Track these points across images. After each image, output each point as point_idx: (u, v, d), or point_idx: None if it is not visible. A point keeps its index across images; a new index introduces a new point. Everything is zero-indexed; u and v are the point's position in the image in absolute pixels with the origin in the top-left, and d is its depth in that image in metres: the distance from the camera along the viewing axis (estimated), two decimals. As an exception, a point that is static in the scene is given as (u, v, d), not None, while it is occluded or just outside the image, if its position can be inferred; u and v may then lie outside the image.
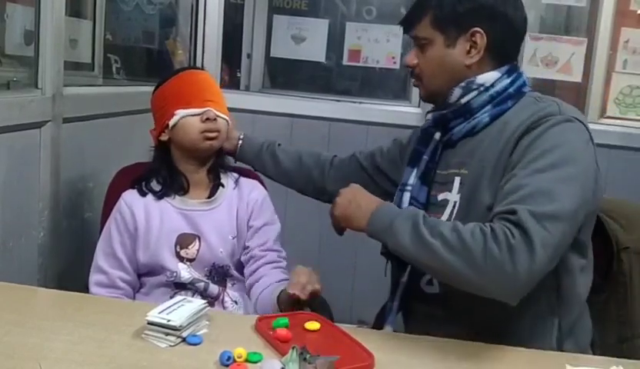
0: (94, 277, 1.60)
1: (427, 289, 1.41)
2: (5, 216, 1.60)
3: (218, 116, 1.62)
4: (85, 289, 1.59)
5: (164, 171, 1.65)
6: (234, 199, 1.68)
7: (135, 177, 1.67)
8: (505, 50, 1.41)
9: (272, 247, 1.68)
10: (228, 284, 1.65)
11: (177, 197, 1.63)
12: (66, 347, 1.11)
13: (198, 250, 1.60)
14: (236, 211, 1.67)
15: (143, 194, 1.63)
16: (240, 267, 1.68)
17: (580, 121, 1.31)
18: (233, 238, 1.65)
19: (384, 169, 1.65)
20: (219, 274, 1.64)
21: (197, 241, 1.61)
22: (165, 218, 1.61)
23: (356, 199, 1.36)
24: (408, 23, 1.45)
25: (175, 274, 1.58)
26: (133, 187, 1.65)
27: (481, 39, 1.37)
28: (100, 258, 1.60)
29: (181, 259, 1.60)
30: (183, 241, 1.60)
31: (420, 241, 1.21)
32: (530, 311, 1.31)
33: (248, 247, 1.66)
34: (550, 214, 1.20)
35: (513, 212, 1.20)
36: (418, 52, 1.43)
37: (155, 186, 1.64)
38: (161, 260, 1.59)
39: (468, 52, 1.38)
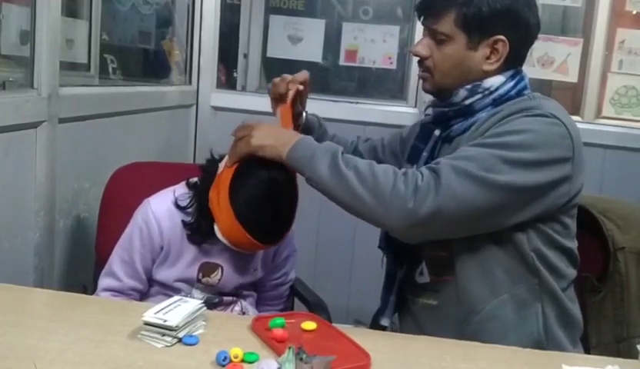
0: (105, 281, 1.54)
1: (419, 279, 1.42)
2: (1, 216, 1.60)
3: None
4: (81, 289, 1.59)
5: (205, 225, 1.49)
6: None
7: (178, 201, 1.53)
8: (519, 56, 1.40)
9: (285, 280, 1.72)
10: (241, 298, 1.64)
11: None
12: (62, 347, 1.10)
13: (219, 279, 1.56)
14: None
15: (187, 233, 1.52)
16: (254, 286, 1.68)
17: (557, 118, 1.30)
18: (254, 271, 1.62)
19: (384, 161, 1.61)
20: (232, 293, 1.62)
21: (219, 270, 1.56)
22: (194, 247, 1.55)
23: (273, 131, 1.40)
24: (429, 13, 1.40)
25: (188, 295, 1.53)
26: (177, 207, 1.53)
27: (503, 47, 1.35)
28: (116, 264, 1.54)
29: (200, 282, 1.56)
30: (206, 269, 1.55)
31: (336, 172, 1.27)
32: (513, 298, 1.34)
33: (264, 276, 1.67)
34: (473, 175, 1.23)
35: (437, 163, 1.27)
36: (432, 45, 1.39)
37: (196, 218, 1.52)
38: (179, 285, 1.55)
39: (488, 58, 1.37)
